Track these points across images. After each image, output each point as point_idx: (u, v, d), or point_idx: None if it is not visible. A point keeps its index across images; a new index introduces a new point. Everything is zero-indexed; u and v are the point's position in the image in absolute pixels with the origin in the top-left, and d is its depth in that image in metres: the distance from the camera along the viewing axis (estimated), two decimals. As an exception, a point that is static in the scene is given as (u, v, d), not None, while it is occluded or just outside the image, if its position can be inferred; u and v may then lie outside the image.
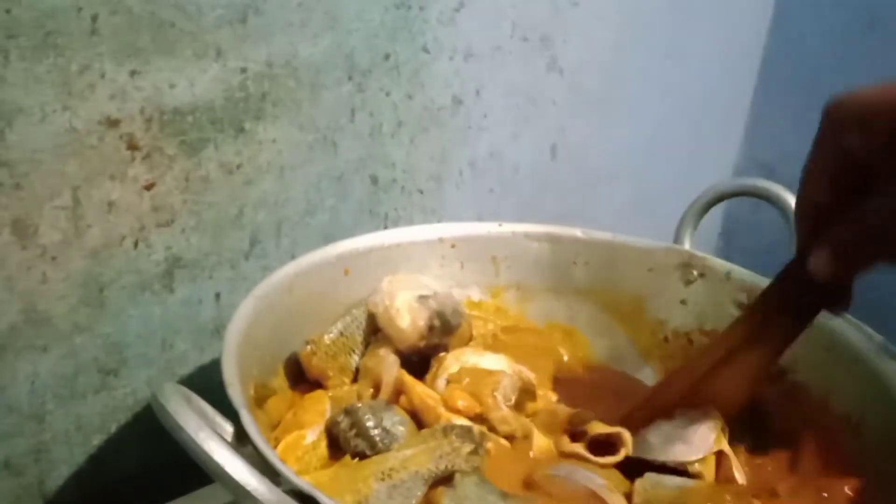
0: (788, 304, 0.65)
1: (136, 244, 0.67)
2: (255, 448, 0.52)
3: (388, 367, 0.68)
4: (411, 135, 0.88)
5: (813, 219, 0.62)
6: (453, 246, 0.81)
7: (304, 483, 0.50)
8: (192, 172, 0.69)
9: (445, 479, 0.57)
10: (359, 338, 0.72)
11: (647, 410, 0.68)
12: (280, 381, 0.68)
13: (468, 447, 0.59)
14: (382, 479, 0.56)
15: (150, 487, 0.71)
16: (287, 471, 0.51)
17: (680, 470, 0.63)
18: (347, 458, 0.61)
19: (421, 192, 0.91)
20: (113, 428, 0.72)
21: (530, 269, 0.83)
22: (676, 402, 0.67)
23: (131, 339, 0.70)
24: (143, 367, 0.72)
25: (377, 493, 0.55)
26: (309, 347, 0.68)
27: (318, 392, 0.68)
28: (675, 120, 1.20)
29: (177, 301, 0.72)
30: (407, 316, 0.70)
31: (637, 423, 0.67)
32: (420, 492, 0.56)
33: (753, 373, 0.67)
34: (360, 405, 0.63)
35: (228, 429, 0.56)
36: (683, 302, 0.79)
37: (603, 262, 0.82)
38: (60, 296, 0.64)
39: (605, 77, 1.07)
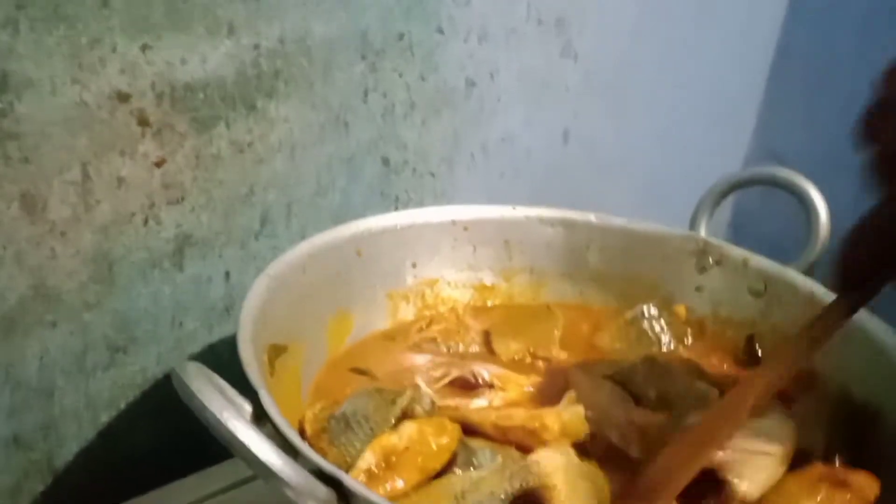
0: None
1: (146, 221, 0.67)
2: (275, 428, 0.52)
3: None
4: (424, 117, 0.87)
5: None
6: (466, 229, 0.80)
7: (325, 462, 0.49)
8: (202, 150, 0.69)
9: (521, 497, 0.56)
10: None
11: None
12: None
13: (535, 459, 0.58)
14: (456, 500, 0.55)
15: (162, 465, 0.71)
16: (308, 450, 0.50)
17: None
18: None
19: (432, 174, 0.91)
20: (123, 405, 0.72)
21: (543, 254, 0.82)
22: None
23: (141, 316, 0.70)
24: (153, 344, 0.72)
25: None
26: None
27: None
28: (689, 109, 1.19)
29: (186, 279, 0.72)
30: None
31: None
32: None
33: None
34: None
35: (247, 408, 0.56)
36: (699, 289, 0.79)
37: (618, 248, 0.81)
38: (70, 272, 0.64)
39: (620, 64, 1.06)
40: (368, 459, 0.57)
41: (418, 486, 0.58)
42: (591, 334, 0.78)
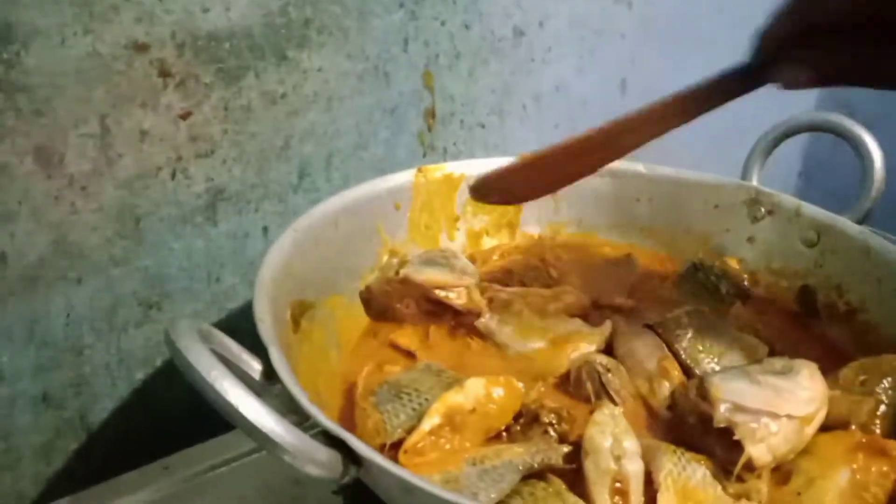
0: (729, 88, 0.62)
1: (173, 175, 0.66)
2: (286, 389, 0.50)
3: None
4: (470, 67, 0.85)
5: (799, 24, 0.56)
6: (512, 181, 0.78)
7: (333, 425, 0.47)
8: (231, 102, 0.67)
9: (538, 475, 0.54)
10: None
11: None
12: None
13: (566, 448, 0.56)
14: (474, 464, 0.54)
15: (200, 422, 0.69)
16: (316, 411, 0.48)
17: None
18: (441, 442, 0.58)
19: (482, 126, 0.88)
20: (158, 362, 0.71)
21: (592, 206, 0.80)
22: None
23: (174, 272, 0.69)
24: (189, 300, 0.71)
25: (467, 474, 0.53)
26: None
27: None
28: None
29: (221, 234, 0.71)
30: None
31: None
32: (512, 480, 0.53)
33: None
34: None
35: (256, 367, 0.54)
36: (751, 239, 0.75)
37: (667, 198, 0.78)
38: (93, 227, 0.63)
39: (677, 9, 1.02)
40: (433, 421, 0.56)
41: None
42: (646, 285, 0.75)
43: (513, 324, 0.67)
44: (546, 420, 0.58)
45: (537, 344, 0.66)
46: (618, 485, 0.53)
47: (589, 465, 0.53)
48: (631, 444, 0.54)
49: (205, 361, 0.45)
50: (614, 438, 0.55)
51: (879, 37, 0.53)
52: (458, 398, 0.57)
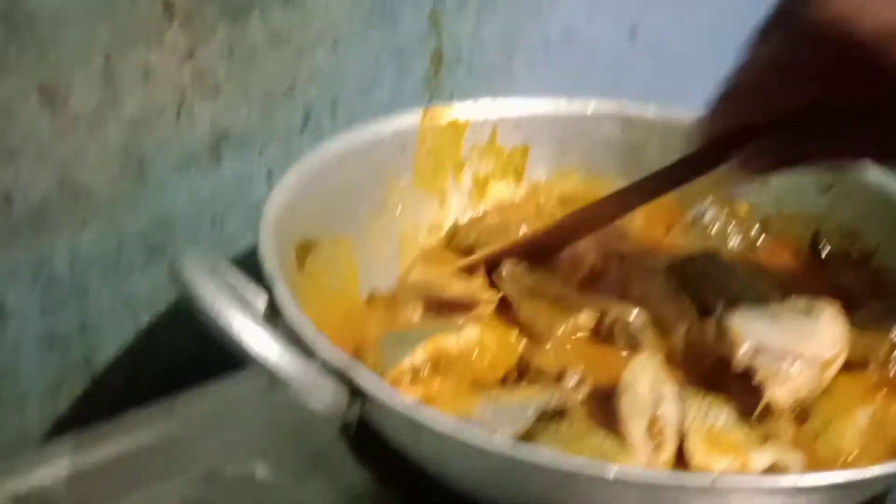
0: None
1: (177, 115, 0.65)
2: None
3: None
4: (477, 9, 0.83)
5: (739, 119, 0.57)
6: (517, 125, 0.77)
7: (339, 354, 0.47)
8: (236, 41, 0.66)
9: (556, 415, 0.54)
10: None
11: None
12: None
13: (585, 389, 0.56)
14: (487, 403, 0.53)
15: (208, 364, 0.69)
16: (320, 341, 0.48)
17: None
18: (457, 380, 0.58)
19: (489, 71, 0.87)
20: (163, 306, 0.70)
21: (600, 151, 0.79)
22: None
23: (178, 214, 0.68)
24: (193, 243, 0.70)
25: (482, 411, 0.53)
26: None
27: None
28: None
29: (225, 177, 0.70)
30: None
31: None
32: (528, 419, 0.52)
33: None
34: None
35: (262, 303, 0.54)
36: (762, 184, 0.74)
37: (678, 143, 0.76)
38: (98, 167, 0.62)
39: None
40: (415, 358, 0.55)
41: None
42: (652, 232, 0.75)
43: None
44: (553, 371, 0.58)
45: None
46: (654, 426, 0.52)
47: (624, 404, 0.52)
48: (669, 390, 0.54)
49: (209, 290, 0.45)
50: (653, 380, 0.54)
51: (826, 124, 0.54)
52: (450, 340, 0.57)
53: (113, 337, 0.69)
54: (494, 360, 0.58)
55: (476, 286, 0.66)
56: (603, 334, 0.62)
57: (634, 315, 0.62)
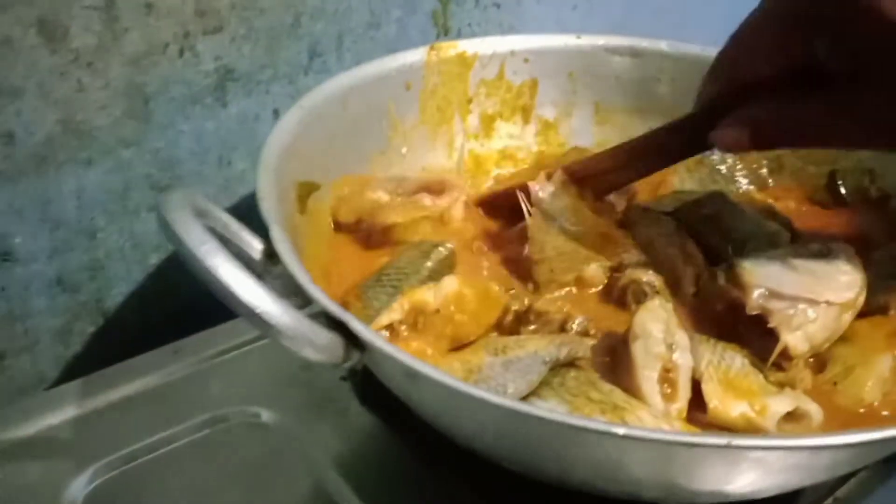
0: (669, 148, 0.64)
1: (181, 52, 0.64)
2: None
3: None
4: (484, -59, 0.82)
5: (730, 82, 0.58)
6: (526, 60, 0.76)
7: (334, 305, 0.45)
8: (239, -27, 0.65)
9: (565, 365, 0.52)
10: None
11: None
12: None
13: (591, 341, 0.55)
14: (496, 354, 0.52)
15: (218, 306, 0.69)
16: (316, 291, 0.46)
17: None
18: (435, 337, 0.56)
19: (497, 6, 0.86)
20: (172, 246, 0.70)
21: (610, 87, 0.78)
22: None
23: (184, 154, 0.68)
24: (200, 184, 0.70)
25: (490, 365, 0.51)
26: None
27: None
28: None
29: (231, 116, 0.69)
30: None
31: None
32: (540, 372, 0.51)
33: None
34: None
35: (258, 247, 0.52)
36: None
37: (691, 78, 0.74)
38: (101, 106, 0.61)
39: None
40: (392, 315, 0.53)
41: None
42: (662, 174, 0.72)
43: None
44: (557, 317, 0.57)
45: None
46: (666, 374, 0.51)
47: (637, 349, 0.51)
48: (682, 338, 0.52)
49: (195, 236, 0.43)
50: (666, 326, 0.53)
51: (809, 87, 0.52)
52: (427, 295, 0.54)
53: (122, 278, 0.68)
54: (476, 317, 0.56)
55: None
56: (615, 297, 0.60)
57: (648, 276, 0.60)
